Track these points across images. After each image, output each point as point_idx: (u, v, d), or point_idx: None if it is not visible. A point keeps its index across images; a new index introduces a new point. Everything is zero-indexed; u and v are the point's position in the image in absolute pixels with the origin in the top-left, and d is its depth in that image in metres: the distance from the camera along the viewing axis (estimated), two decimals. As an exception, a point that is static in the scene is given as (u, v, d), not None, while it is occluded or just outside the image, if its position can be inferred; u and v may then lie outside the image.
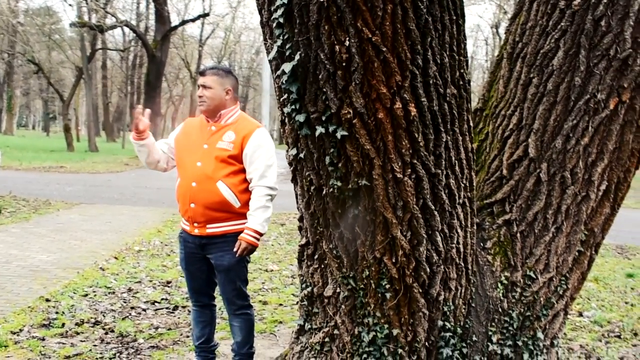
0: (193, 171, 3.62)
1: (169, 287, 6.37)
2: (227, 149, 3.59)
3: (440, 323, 3.09)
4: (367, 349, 3.10)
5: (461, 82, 2.71)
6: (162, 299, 5.87)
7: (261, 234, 3.59)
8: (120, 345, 4.60)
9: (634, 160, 3.36)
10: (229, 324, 3.98)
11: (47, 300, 5.62)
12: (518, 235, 3.35)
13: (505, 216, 3.38)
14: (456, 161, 2.82)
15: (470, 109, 2.89)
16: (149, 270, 7.04)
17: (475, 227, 3.19)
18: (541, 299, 3.40)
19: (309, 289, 3.24)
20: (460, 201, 2.92)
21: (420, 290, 2.96)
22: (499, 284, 3.31)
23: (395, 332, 3.02)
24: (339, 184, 2.73)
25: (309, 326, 3.32)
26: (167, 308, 5.64)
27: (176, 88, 59.90)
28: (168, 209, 12.40)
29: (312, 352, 3.29)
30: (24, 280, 6.29)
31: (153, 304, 5.74)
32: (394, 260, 2.87)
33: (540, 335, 3.44)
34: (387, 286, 2.94)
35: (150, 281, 6.55)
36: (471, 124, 2.94)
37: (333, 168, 2.70)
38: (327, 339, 3.21)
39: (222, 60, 51.59)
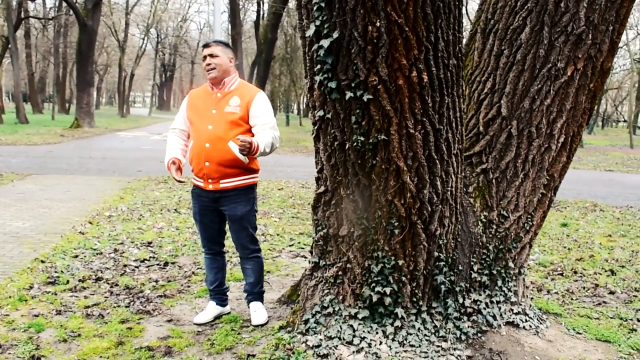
0: (205, 134, 4.05)
1: (151, 247, 6.77)
2: (235, 112, 4.04)
3: (435, 254, 3.73)
4: (375, 279, 3.70)
5: (460, 55, 3.32)
6: (150, 257, 6.27)
7: (259, 150, 3.85)
8: (130, 295, 5.02)
9: (585, 117, 4.07)
10: (241, 268, 4.50)
11: (42, 261, 5.94)
12: (493, 181, 4.01)
13: (482, 166, 4.03)
14: (453, 119, 3.43)
15: (463, 76, 3.50)
16: (127, 232, 7.39)
17: (463, 174, 3.83)
18: (512, 234, 4.09)
19: (324, 230, 3.80)
20: (455, 151, 3.55)
21: (422, 227, 3.58)
22: (479, 222, 3.98)
23: (400, 262, 3.64)
24: (362, 139, 3.30)
25: (323, 263, 3.88)
26: (157, 265, 6.05)
27: (101, 57, 58.15)
28: (121, 178, 12.63)
29: (326, 285, 3.86)
30: (11, 245, 6.55)
31: (143, 261, 6.14)
32: (402, 202, 3.47)
33: (511, 264, 4.13)
34: (396, 224, 3.54)
35: (132, 242, 6.92)
36: (464, 88, 3.56)
37: (357, 126, 3.27)
38: (340, 273, 3.79)
39: (150, 28, 50.48)
